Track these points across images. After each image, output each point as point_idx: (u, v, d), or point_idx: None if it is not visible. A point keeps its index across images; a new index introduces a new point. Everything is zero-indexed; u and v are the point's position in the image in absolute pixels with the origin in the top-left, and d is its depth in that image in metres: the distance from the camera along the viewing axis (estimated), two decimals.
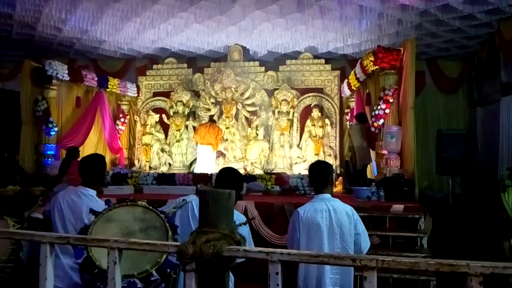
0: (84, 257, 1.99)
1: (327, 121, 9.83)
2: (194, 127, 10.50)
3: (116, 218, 2.13)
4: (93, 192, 3.05)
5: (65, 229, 2.97)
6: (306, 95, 10.18)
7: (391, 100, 7.04)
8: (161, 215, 2.14)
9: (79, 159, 7.65)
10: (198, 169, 9.42)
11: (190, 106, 10.51)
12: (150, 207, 2.16)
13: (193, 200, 2.82)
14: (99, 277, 1.95)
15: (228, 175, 3.00)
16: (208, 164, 9.49)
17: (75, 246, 2.07)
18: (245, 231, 2.80)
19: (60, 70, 8.67)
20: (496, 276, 1.10)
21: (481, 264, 1.08)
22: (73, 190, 3.10)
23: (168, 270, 1.99)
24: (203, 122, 10.08)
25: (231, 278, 2.82)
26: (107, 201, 2.41)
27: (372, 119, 7.36)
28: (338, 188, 8.20)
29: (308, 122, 9.91)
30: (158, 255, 1.94)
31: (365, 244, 3.03)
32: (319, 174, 3.12)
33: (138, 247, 1.49)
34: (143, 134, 10.67)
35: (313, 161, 3.65)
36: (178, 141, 10.39)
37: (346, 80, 9.50)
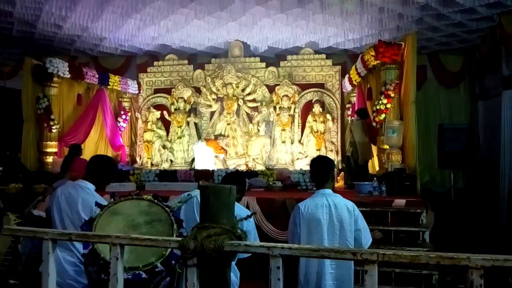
0: (89, 248, 2.01)
1: (328, 116, 9.82)
2: (195, 124, 10.51)
3: (121, 211, 2.14)
4: (91, 186, 3.07)
5: (62, 223, 3.00)
6: (307, 91, 10.16)
7: (392, 95, 7.03)
8: (166, 208, 2.15)
9: (81, 156, 7.70)
10: (197, 166, 9.43)
11: (191, 103, 10.50)
12: (156, 201, 2.17)
13: (198, 195, 2.84)
14: (104, 269, 1.97)
15: (234, 179, 3.16)
16: (206, 161, 9.48)
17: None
18: (250, 224, 2.86)
19: (61, 67, 8.67)
20: (496, 270, 1.10)
21: (482, 257, 1.09)
22: (71, 184, 3.15)
23: (173, 262, 2.01)
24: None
25: (237, 273, 2.86)
26: (112, 194, 2.42)
27: (374, 114, 7.35)
28: (340, 183, 8.21)
29: (310, 118, 9.90)
30: (163, 248, 1.95)
31: (366, 240, 3.02)
32: (320, 169, 3.12)
33: (139, 243, 1.49)
34: (145, 131, 10.67)
35: (314, 157, 3.67)
36: (179, 137, 10.40)
37: (347, 75, 9.48)
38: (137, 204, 2.18)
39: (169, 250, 1.97)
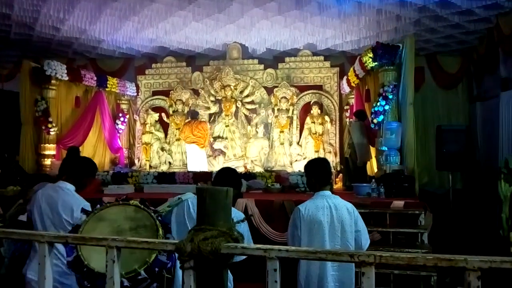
0: (74, 256, 1.99)
1: (326, 118, 9.83)
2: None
3: (107, 217, 2.12)
4: (71, 187, 3.10)
5: (43, 225, 3.02)
6: (306, 92, 10.18)
7: (390, 97, 7.04)
8: (153, 214, 2.13)
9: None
10: (189, 168, 9.40)
11: (190, 105, 10.50)
12: (142, 206, 2.16)
13: (189, 199, 2.82)
14: (87, 276, 1.95)
15: (227, 174, 3.02)
16: (198, 162, 9.45)
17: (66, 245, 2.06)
18: (243, 228, 2.84)
19: (59, 70, 8.66)
20: (495, 271, 1.10)
21: (479, 259, 1.08)
22: (51, 186, 3.18)
23: (157, 269, 1.97)
24: (187, 120, 10.04)
25: (230, 276, 2.84)
26: (99, 201, 2.41)
27: (372, 116, 7.35)
28: (338, 185, 8.21)
29: (308, 119, 9.91)
30: (146, 255, 1.93)
31: (365, 241, 3.03)
32: (323, 171, 3.12)
33: (136, 246, 1.49)
34: (143, 133, 10.67)
35: (310, 159, 3.63)
36: (178, 139, 10.39)
37: (345, 77, 9.49)
38: (123, 209, 2.16)
39: (153, 257, 1.95)
